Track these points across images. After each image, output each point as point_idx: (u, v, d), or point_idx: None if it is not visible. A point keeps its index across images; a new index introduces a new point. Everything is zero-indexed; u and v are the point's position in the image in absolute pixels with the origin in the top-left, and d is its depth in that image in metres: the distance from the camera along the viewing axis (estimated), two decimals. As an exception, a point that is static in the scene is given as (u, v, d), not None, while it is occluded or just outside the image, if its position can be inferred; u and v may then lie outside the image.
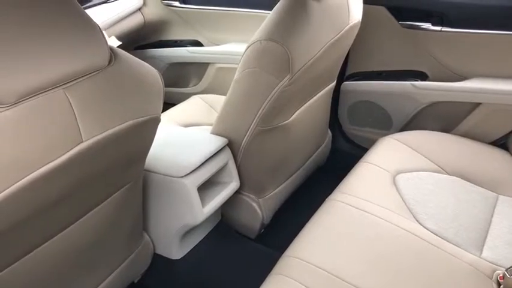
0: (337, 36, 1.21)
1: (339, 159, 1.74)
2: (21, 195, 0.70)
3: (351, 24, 1.26)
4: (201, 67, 1.97)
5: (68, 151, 0.73)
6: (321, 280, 0.95)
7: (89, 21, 0.74)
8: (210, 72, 1.95)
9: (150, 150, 1.01)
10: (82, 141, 0.75)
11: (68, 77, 0.72)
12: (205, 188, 1.22)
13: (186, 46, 1.99)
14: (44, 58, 0.68)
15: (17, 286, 0.86)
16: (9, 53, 0.65)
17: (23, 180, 0.69)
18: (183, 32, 2.00)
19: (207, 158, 1.16)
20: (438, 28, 1.44)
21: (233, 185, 1.26)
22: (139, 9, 1.99)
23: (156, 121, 0.92)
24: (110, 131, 0.79)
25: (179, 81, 2.07)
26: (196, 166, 1.13)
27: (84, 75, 0.74)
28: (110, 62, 0.78)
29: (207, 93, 1.89)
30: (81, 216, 0.92)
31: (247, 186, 1.34)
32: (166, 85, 2.07)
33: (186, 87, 2.06)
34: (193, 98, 1.77)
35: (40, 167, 0.70)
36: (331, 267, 0.97)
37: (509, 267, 0.96)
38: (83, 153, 0.76)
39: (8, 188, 0.67)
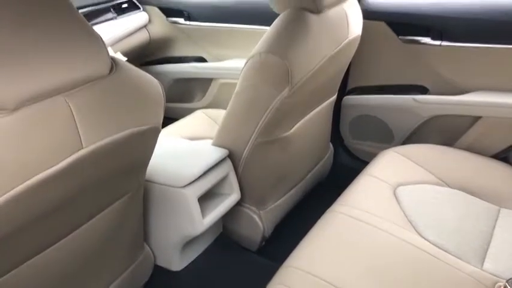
0: (337, 49, 1.23)
1: (340, 173, 1.74)
2: (21, 200, 0.71)
3: (350, 38, 1.28)
4: (205, 82, 2.00)
5: (68, 157, 0.75)
6: None
7: (90, 31, 0.77)
8: (213, 87, 1.98)
9: (151, 161, 1.02)
10: (82, 148, 0.76)
11: (69, 84, 0.74)
12: (206, 199, 1.22)
13: (190, 62, 2.03)
14: (46, 65, 0.70)
15: None
16: (11, 59, 0.67)
17: (22, 185, 0.70)
18: (188, 49, 2.04)
19: (208, 168, 1.17)
20: (438, 42, 1.46)
21: (234, 196, 1.27)
22: (145, 26, 2.03)
23: (156, 131, 0.93)
24: (110, 139, 0.81)
25: (184, 96, 2.10)
26: (197, 176, 1.14)
27: (85, 83, 0.76)
28: (111, 71, 0.81)
29: (211, 108, 1.91)
30: (81, 224, 0.93)
31: (248, 198, 1.34)
32: (171, 100, 2.11)
33: (191, 102, 2.09)
34: (197, 112, 1.79)
35: (40, 172, 0.71)
36: (331, 277, 0.97)
37: (510, 279, 0.95)
38: (83, 160, 0.77)
39: (7, 192, 0.68)
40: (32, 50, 0.68)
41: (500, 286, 0.97)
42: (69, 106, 0.74)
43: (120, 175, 0.94)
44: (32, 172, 0.71)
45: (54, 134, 0.72)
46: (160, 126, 0.95)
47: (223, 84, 1.94)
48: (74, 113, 0.75)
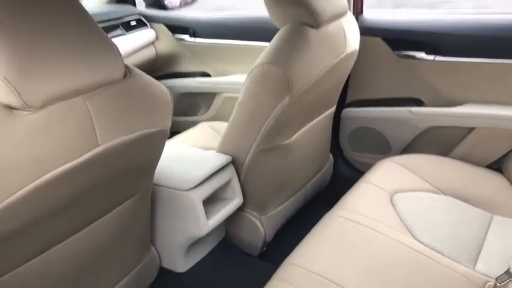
0: (335, 62, 1.30)
1: (340, 183, 1.79)
2: (39, 193, 0.77)
3: (348, 51, 1.35)
4: (209, 97, 2.07)
5: (85, 153, 0.81)
6: (320, 287, 0.99)
7: (106, 39, 0.84)
8: (217, 101, 2.05)
9: (158, 166, 1.08)
10: (98, 145, 0.83)
11: (88, 86, 0.81)
12: (210, 203, 1.28)
13: (195, 77, 2.10)
14: (68, 69, 0.77)
15: (30, 285, 0.92)
16: (39, 63, 0.74)
17: (41, 178, 0.76)
18: (193, 64, 2.12)
19: (212, 173, 1.23)
20: (431, 57, 1.53)
21: (236, 201, 1.32)
22: (152, 43, 2.12)
23: (164, 134, 1.00)
24: (123, 138, 0.87)
25: (189, 110, 2.17)
26: (202, 180, 1.20)
27: (102, 86, 0.83)
28: (125, 76, 0.87)
29: (214, 121, 1.98)
30: (91, 222, 0.98)
31: (250, 203, 1.40)
32: (177, 114, 2.17)
33: (195, 115, 2.16)
34: (201, 124, 1.86)
35: (59, 167, 0.78)
36: (332, 275, 1.02)
37: (499, 276, 0.99)
38: (97, 157, 0.83)
39: (28, 184, 0.74)
40: (56, 55, 0.75)
41: (490, 285, 1.02)
42: (88, 107, 0.81)
43: (130, 175, 1.00)
44: (52, 166, 0.77)
45: (73, 132, 0.79)
46: (169, 130, 1.01)
47: (227, 98, 2.01)
48: (91, 113, 0.81)
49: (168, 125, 0.99)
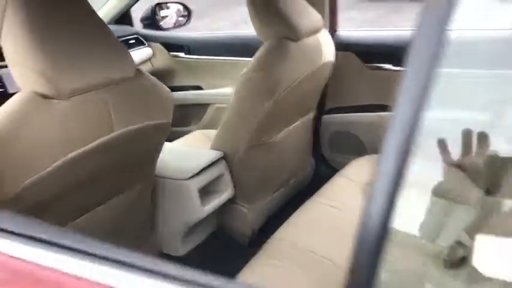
0: (312, 70, 1.51)
1: (320, 182, 1.98)
2: (66, 168, 0.95)
3: (324, 61, 1.57)
4: (201, 108, 2.27)
5: (103, 136, 0.99)
6: (303, 257, 1.17)
7: (121, 44, 1.04)
8: (209, 111, 2.24)
9: (159, 159, 1.26)
10: (113, 131, 1.01)
11: (107, 82, 1.00)
12: (205, 194, 1.45)
13: (189, 90, 2.30)
14: (91, 67, 0.96)
15: None
16: (67, 62, 0.92)
17: (70, 154, 0.94)
18: (187, 79, 2.32)
19: (206, 165, 1.41)
20: (398, 68, 1.75)
21: (228, 192, 1.50)
22: (149, 59, 2.32)
23: (166, 127, 1.18)
24: (134, 127, 1.06)
25: (183, 121, 2.35)
26: (198, 171, 1.38)
27: (118, 82, 1.02)
28: (135, 75, 1.07)
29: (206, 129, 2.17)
30: (100, 203, 1.14)
31: (240, 196, 1.57)
32: (172, 125, 2.35)
33: (189, 125, 2.34)
34: (194, 132, 2.05)
35: (83, 146, 0.96)
36: (316, 249, 1.19)
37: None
38: (112, 141, 1.02)
39: (60, 159, 0.92)
40: (81, 55, 0.95)
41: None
42: (106, 98, 0.99)
43: (137, 161, 1.18)
44: (77, 145, 0.95)
45: (95, 118, 0.98)
46: (170, 124, 1.20)
47: (218, 108, 2.20)
48: (109, 104, 1.00)
49: (170, 118, 1.18)
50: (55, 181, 0.95)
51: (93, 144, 0.98)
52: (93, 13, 1.00)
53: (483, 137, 0.71)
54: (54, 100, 0.92)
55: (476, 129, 0.72)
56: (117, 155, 1.07)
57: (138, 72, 1.09)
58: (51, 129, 0.91)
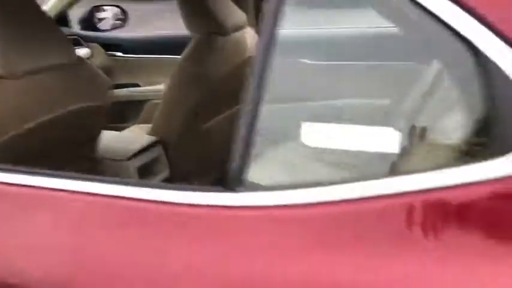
0: (239, 62, 1.69)
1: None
2: (17, 140, 1.06)
3: (248, 55, 1.76)
4: (139, 104, 2.38)
5: (51, 114, 1.12)
6: None
7: (66, 36, 1.18)
8: (147, 108, 2.36)
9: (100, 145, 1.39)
10: (60, 110, 1.14)
11: (52, 66, 1.12)
12: (142, 176, 1.58)
13: (126, 87, 2.41)
14: (39, 53, 1.09)
15: None
16: (16, 49, 1.05)
17: (20, 129, 1.05)
18: (125, 77, 2.43)
19: (143, 147, 1.55)
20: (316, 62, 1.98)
21: (165, 173, 1.64)
22: (88, 58, 2.40)
23: (103, 109, 1.31)
24: (75, 106, 1.19)
25: (121, 118, 2.45)
26: (135, 152, 1.52)
27: (63, 66, 1.15)
28: (77, 62, 1.20)
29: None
30: None
31: (176, 179, 1.71)
32: (109, 122, 2.44)
33: (127, 122, 2.44)
34: (132, 127, 2.16)
35: (33, 121, 1.08)
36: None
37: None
38: (59, 119, 1.14)
39: (11, 132, 1.04)
40: (30, 42, 1.07)
41: None
42: (52, 81, 1.12)
43: (80, 141, 1.30)
44: (28, 120, 1.07)
45: (43, 97, 1.10)
46: (107, 108, 1.33)
47: (156, 104, 2.32)
48: (54, 86, 1.13)
49: (105, 102, 1.31)
50: (7, 154, 1.05)
51: (39, 120, 1.10)
52: (38, 6, 1.13)
53: None
54: (8, 80, 1.04)
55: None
56: (62, 132, 1.19)
57: (79, 59, 1.22)
58: (5, 104, 1.03)
